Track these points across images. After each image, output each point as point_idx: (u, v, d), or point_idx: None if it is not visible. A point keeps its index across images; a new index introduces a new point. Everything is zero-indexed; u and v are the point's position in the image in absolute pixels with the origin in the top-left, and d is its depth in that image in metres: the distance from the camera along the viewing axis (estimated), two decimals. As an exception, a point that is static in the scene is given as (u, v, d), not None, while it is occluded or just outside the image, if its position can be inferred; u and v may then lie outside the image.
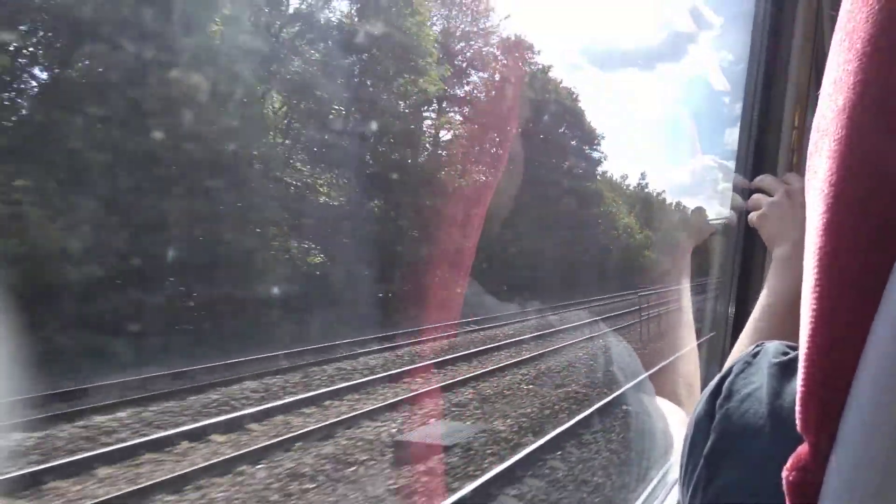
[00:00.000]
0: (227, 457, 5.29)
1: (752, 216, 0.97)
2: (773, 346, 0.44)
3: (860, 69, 0.26)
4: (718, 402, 0.41)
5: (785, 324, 0.77)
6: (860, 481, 0.23)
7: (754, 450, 0.37)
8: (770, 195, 0.96)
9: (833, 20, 0.30)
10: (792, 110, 1.10)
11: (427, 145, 16.71)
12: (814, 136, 0.31)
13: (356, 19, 15.17)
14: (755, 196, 0.99)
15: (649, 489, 1.35)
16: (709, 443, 0.40)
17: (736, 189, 1.12)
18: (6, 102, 9.69)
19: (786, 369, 0.40)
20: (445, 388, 7.91)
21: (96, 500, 4.43)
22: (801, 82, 1.09)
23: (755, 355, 0.43)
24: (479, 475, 5.08)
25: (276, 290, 11.99)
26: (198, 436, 5.90)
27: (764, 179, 1.00)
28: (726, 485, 0.38)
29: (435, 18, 17.60)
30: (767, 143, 1.12)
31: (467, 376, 8.55)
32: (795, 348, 0.42)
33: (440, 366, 9.42)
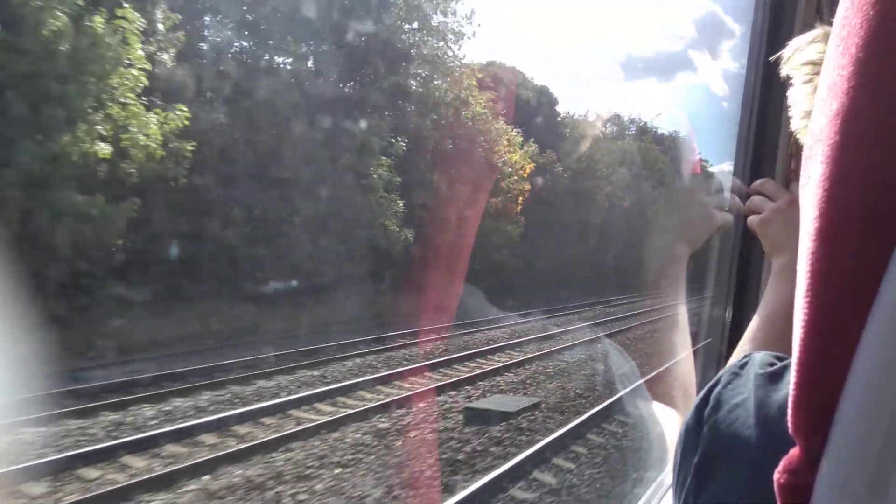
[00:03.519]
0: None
1: (753, 220, 0.97)
2: (759, 357, 0.44)
3: (855, 74, 0.26)
4: (706, 412, 0.42)
5: (784, 334, 0.76)
6: (851, 484, 0.24)
7: (742, 460, 0.37)
8: (772, 200, 0.96)
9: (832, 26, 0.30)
10: (790, 116, 1.10)
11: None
12: (808, 141, 0.31)
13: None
14: (756, 198, 0.99)
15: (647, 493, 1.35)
16: (698, 453, 0.41)
17: (734, 193, 1.12)
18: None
19: (772, 379, 0.40)
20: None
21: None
22: None
23: (743, 366, 0.44)
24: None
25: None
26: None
27: (766, 184, 1.00)
28: (714, 493, 0.38)
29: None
30: (765, 148, 1.13)
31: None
32: (782, 359, 0.43)
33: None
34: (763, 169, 1.11)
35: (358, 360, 9.77)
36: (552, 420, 7.04)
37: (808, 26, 1.09)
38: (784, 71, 0.64)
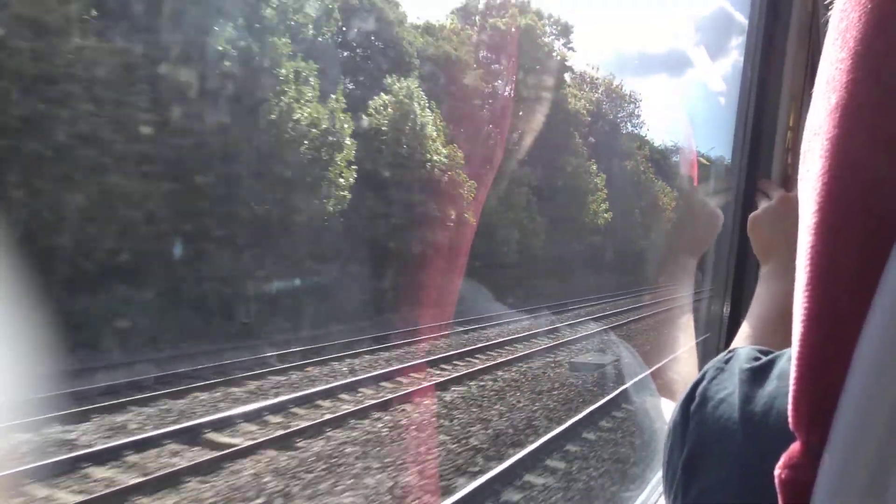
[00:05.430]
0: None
1: (749, 218, 0.96)
2: (744, 352, 0.44)
3: (853, 68, 0.26)
4: (692, 408, 0.41)
5: (776, 334, 0.75)
6: (852, 479, 0.23)
7: (727, 455, 0.37)
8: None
9: (828, 20, 0.30)
10: (787, 110, 1.10)
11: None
12: (807, 135, 0.31)
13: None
14: (758, 197, 0.99)
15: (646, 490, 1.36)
16: (685, 449, 0.40)
17: (731, 188, 1.12)
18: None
19: (757, 374, 0.40)
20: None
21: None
22: (796, 82, 1.09)
23: (727, 361, 0.44)
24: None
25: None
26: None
27: (766, 183, 1.01)
28: (702, 490, 0.38)
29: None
30: (762, 143, 1.13)
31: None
32: (767, 353, 0.43)
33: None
34: (760, 164, 1.11)
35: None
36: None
37: (804, 22, 1.09)
38: None
